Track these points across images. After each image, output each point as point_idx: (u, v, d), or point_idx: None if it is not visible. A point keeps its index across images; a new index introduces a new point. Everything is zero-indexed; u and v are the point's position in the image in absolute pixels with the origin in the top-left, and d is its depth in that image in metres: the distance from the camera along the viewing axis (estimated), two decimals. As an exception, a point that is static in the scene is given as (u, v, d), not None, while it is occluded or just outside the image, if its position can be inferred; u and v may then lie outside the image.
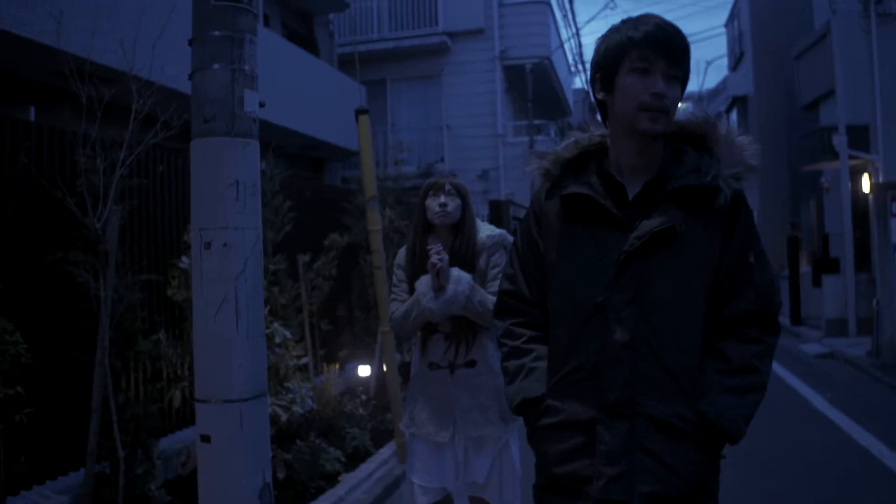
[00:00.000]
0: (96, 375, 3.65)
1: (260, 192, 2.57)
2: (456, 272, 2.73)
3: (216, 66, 2.45)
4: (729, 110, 23.76)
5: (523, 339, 1.79)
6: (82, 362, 3.82)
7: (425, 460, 2.88)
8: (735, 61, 23.37)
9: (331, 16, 14.61)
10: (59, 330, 3.82)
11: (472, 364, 2.80)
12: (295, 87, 10.49)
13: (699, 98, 38.23)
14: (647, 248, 1.59)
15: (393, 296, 2.98)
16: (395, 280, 3.01)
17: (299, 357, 4.83)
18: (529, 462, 1.91)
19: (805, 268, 14.13)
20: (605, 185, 1.68)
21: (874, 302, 9.68)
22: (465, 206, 2.89)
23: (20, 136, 3.70)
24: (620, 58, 1.62)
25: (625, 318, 1.59)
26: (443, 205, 2.83)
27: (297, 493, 4.30)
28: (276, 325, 4.54)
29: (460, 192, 2.89)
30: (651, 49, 1.59)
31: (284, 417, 4.38)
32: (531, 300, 1.81)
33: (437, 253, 2.71)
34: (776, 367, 9.41)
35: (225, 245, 2.40)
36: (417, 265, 2.86)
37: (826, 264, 12.60)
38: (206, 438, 2.42)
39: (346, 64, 14.54)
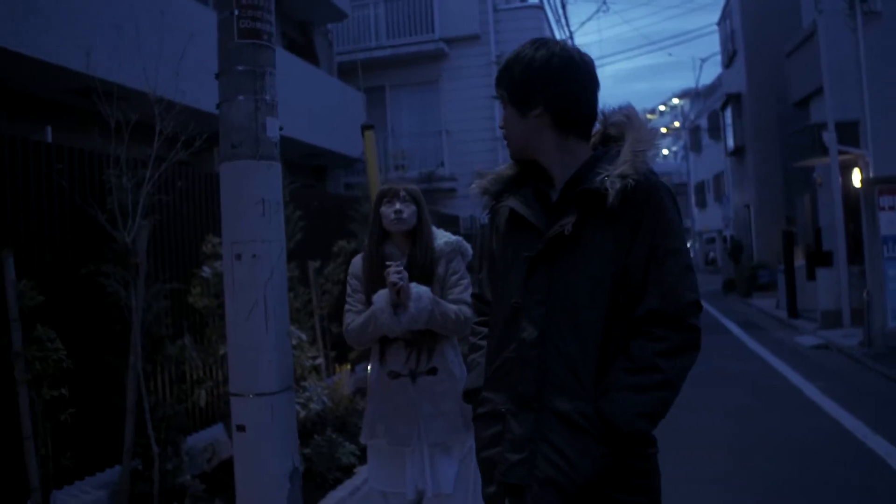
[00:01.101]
0: (130, 378, 3.95)
1: (282, 207, 2.88)
2: (415, 289, 2.67)
3: (241, 97, 2.76)
4: (723, 107, 24.07)
5: (479, 336, 1.98)
6: (114, 366, 4.12)
7: (387, 467, 2.81)
8: (728, 59, 23.68)
9: (329, 25, 14.93)
10: (93, 337, 4.12)
11: (433, 371, 2.76)
12: (296, 97, 10.80)
13: (696, 94, 38.62)
14: (551, 251, 1.70)
15: (348, 306, 2.88)
16: (349, 290, 2.92)
17: (314, 358, 5.13)
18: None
19: (800, 261, 14.41)
20: (536, 194, 1.80)
21: (865, 293, 9.97)
22: (420, 213, 2.85)
23: (53, 158, 4.00)
24: None
25: (535, 317, 1.71)
26: (398, 212, 2.79)
27: (316, 484, 4.61)
28: (292, 327, 4.84)
29: (415, 199, 2.86)
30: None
31: (302, 414, 4.68)
32: (488, 301, 1.96)
33: (396, 271, 2.64)
34: (770, 359, 9.71)
35: (254, 256, 2.70)
36: (374, 275, 2.79)
37: (819, 257, 12.89)
38: (241, 428, 2.72)
39: (345, 72, 14.87)
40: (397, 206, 2.80)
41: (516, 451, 1.69)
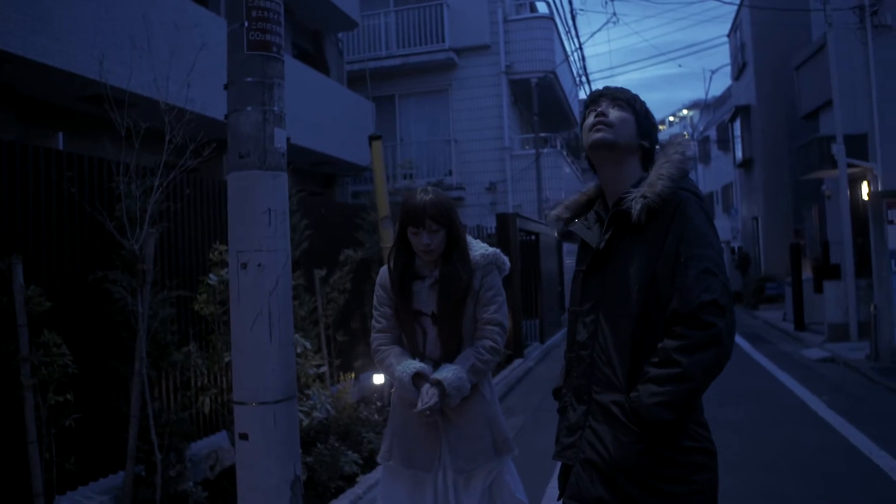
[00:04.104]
0: (134, 384, 3.97)
1: (288, 217, 2.90)
2: (448, 382, 2.55)
3: (249, 108, 2.78)
4: (732, 119, 24.06)
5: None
6: (119, 372, 4.15)
7: (401, 493, 2.70)
8: (738, 71, 23.68)
9: (340, 34, 15.02)
10: (98, 343, 4.15)
11: None
12: (306, 105, 10.86)
13: (705, 105, 38.57)
14: (597, 265, 2.00)
15: (374, 321, 2.80)
16: (376, 301, 2.82)
17: (318, 366, 5.15)
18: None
19: (808, 274, 14.37)
20: (598, 217, 2.09)
21: (872, 307, 9.93)
22: (451, 234, 2.68)
23: (63, 165, 4.04)
24: (586, 108, 2.11)
25: (587, 322, 2.01)
26: (426, 245, 2.65)
27: (318, 493, 4.61)
28: (296, 336, 4.86)
29: (443, 221, 2.65)
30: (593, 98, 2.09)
31: (305, 422, 4.69)
32: None
33: (426, 401, 2.55)
34: (776, 372, 9.68)
35: (259, 265, 2.72)
36: (403, 298, 2.71)
37: (827, 270, 12.86)
38: (244, 436, 2.73)
39: (355, 81, 14.94)
40: (425, 239, 2.64)
41: (569, 436, 2.00)
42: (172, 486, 4.14)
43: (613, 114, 2.01)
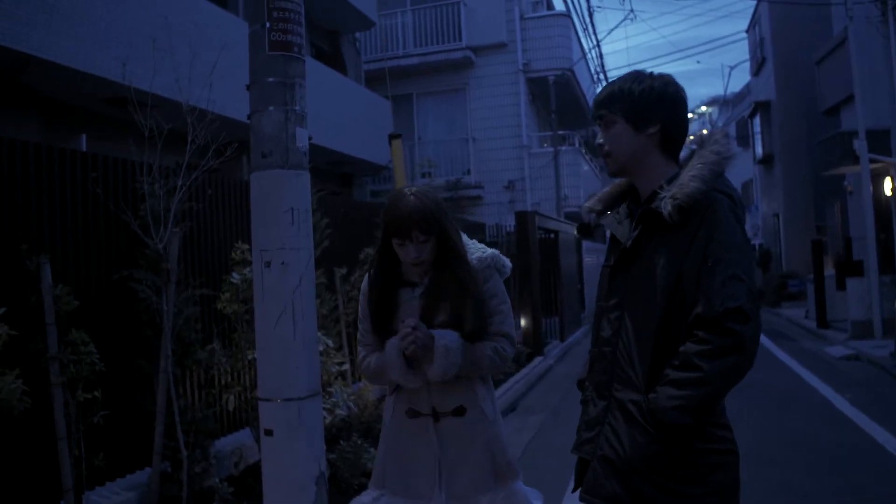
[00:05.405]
0: (160, 382, 4.03)
1: (311, 215, 2.93)
2: (441, 340, 2.25)
3: (271, 108, 2.82)
4: (752, 115, 23.89)
5: None
6: (145, 370, 4.21)
7: None
8: (757, 67, 23.50)
9: (357, 34, 15.07)
10: (124, 341, 4.21)
11: (461, 411, 2.33)
12: (324, 105, 10.91)
13: (724, 102, 38.29)
14: (624, 262, 1.98)
15: (360, 334, 2.53)
16: (360, 314, 2.53)
17: (340, 364, 5.18)
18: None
19: (830, 271, 14.23)
20: (629, 211, 2.06)
21: (896, 304, 9.84)
22: (444, 240, 2.33)
23: (88, 166, 4.10)
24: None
25: (611, 318, 1.99)
26: (415, 258, 2.31)
27: (340, 490, 4.65)
28: (318, 333, 4.90)
29: (433, 228, 2.30)
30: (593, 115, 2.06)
31: (328, 419, 4.72)
32: None
33: (407, 333, 2.23)
34: (798, 370, 9.61)
35: (283, 263, 2.76)
36: (382, 307, 2.41)
37: (850, 267, 12.74)
38: (269, 432, 2.77)
39: (372, 80, 14.98)
40: (412, 252, 2.30)
41: (588, 431, 2.00)
42: (198, 482, 4.19)
43: (606, 137, 2.00)
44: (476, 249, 2.43)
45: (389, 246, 2.37)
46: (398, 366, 2.28)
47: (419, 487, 2.33)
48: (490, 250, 2.44)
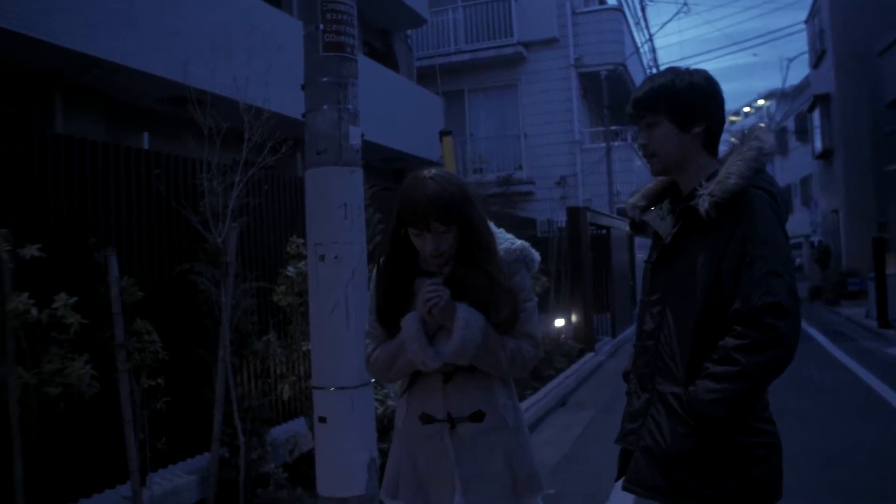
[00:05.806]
0: (219, 371, 4.19)
1: (363, 211, 3.03)
2: (462, 312, 2.00)
3: (325, 107, 2.93)
4: (811, 109, 23.30)
5: None
6: (204, 360, 4.38)
7: None
8: (816, 59, 22.91)
9: (409, 31, 15.21)
10: (185, 331, 4.38)
11: (479, 417, 2.08)
12: (376, 102, 11.05)
13: (782, 95, 37.44)
14: (665, 257, 2.02)
15: (368, 327, 2.24)
16: (371, 304, 2.25)
17: (391, 356, 5.28)
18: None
19: (892, 269, 13.83)
20: (672, 207, 2.09)
21: (960, 302, 9.53)
22: (468, 230, 2.04)
23: (151, 164, 4.28)
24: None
25: (654, 313, 2.05)
26: (433, 250, 2.03)
27: (391, 479, 4.75)
28: (369, 326, 5.01)
29: (453, 217, 2.01)
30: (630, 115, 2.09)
31: (380, 410, 4.83)
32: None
33: (432, 289, 2.01)
34: (856, 369, 9.40)
35: (336, 257, 2.86)
36: (394, 296, 2.14)
37: (913, 265, 12.35)
38: (322, 420, 2.88)
39: (424, 77, 15.11)
40: (430, 244, 2.02)
41: (631, 422, 2.05)
42: (255, 468, 4.34)
43: (650, 136, 2.03)
44: (503, 240, 2.16)
45: (404, 232, 2.10)
46: (417, 339, 2.02)
47: (433, 499, 2.12)
48: (519, 241, 2.18)
